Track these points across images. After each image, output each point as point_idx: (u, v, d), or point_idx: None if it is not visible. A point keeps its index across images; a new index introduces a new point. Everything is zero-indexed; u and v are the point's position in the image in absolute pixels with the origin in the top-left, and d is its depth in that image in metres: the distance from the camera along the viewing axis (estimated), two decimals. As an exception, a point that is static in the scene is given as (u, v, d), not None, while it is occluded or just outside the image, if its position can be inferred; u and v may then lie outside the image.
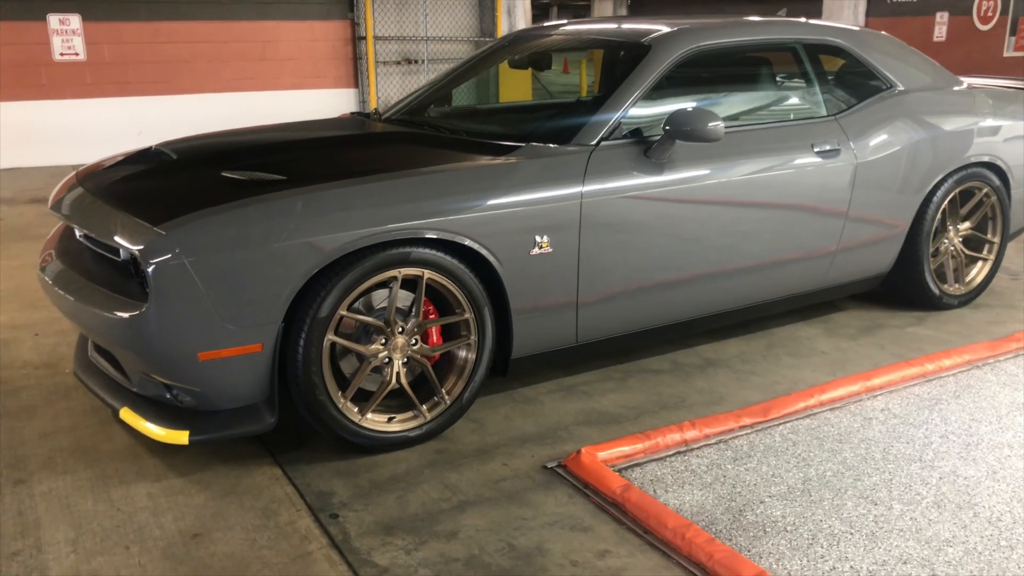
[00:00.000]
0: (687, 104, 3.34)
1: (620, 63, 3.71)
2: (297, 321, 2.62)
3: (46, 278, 2.94)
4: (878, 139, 3.82)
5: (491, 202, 2.88)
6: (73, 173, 3.32)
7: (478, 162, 3.03)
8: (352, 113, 4.33)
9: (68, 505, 2.54)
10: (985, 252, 4.33)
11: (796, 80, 3.97)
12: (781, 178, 3.54)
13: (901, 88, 4.04)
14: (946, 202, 4.08)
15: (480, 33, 10.85)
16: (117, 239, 2.62)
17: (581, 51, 8.04)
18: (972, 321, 4.12)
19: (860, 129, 3.79)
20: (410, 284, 2.84)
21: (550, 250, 3.01)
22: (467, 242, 2.83)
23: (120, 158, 3.39)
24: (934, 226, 4.06)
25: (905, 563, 2.25)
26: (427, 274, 2.80)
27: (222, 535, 2.40)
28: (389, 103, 5.67)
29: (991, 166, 4.18)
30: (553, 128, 3.49)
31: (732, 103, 3.83)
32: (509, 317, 3.00)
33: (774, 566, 2.25)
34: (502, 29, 10.74)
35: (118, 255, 2.71)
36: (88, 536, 2.39)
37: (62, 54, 8.44)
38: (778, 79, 4.06)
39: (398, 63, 10.39)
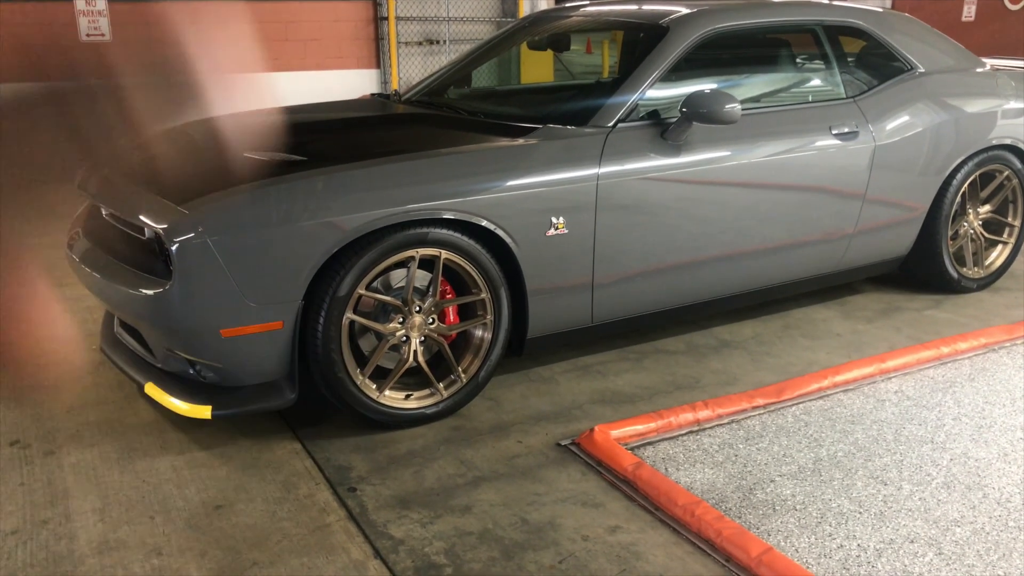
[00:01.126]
0: (705, 86, 3.35)
1: (638, 44, 3.72)
2: (317, 299, 2.68)
3: (73, 256, 3.02)
4: (897, 121, 3.81)
5: (508, 183, 2.92)
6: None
7: (496, 144, 3.06)
8: (372, 95, 4.37)
9: (95, 476, 2.63)
10: (1005, 235, 4.31)
11: (815, 62, 3.96)
12: (799, 160, 3.55)
13: (922, 70, 4.01)
14: (966, 185, 4.06)
15: (502, 14, 10.83)
16: (142, 218, 2.68)
17: (601, 32, 8.01)
18: (990, 305, 4.11)
19: (879, 111, 3.78)
20: (428, 264, 2.88)
21: (566, 231, 3.04)
22: (484, 223, 2.87)
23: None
24: (953, 209, 4.05)
25: (912, 542, 2.28)
26: (444, 254, 2.85)
27: (243, 507, 2.47)
28: (410, 83, 5.70)
29: (1012, 149, 4.15)
30: (570, 110, 3.51)
31: (750, 85, 3.83)
32: (525, 297, 3.04)
33: (782, 543, 2.28)
34: (524, 10, 10.71)
35: (143, 234, 2.78)
36: (115, 506, 2.47)
37: (88, 35, 8.53)
38: (797, 61, 4.05)
39: (420, 44, 10.40)
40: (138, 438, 2.85)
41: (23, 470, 2.65)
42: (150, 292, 2.60)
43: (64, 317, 3.91)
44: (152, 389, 2.79)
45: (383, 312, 2.87)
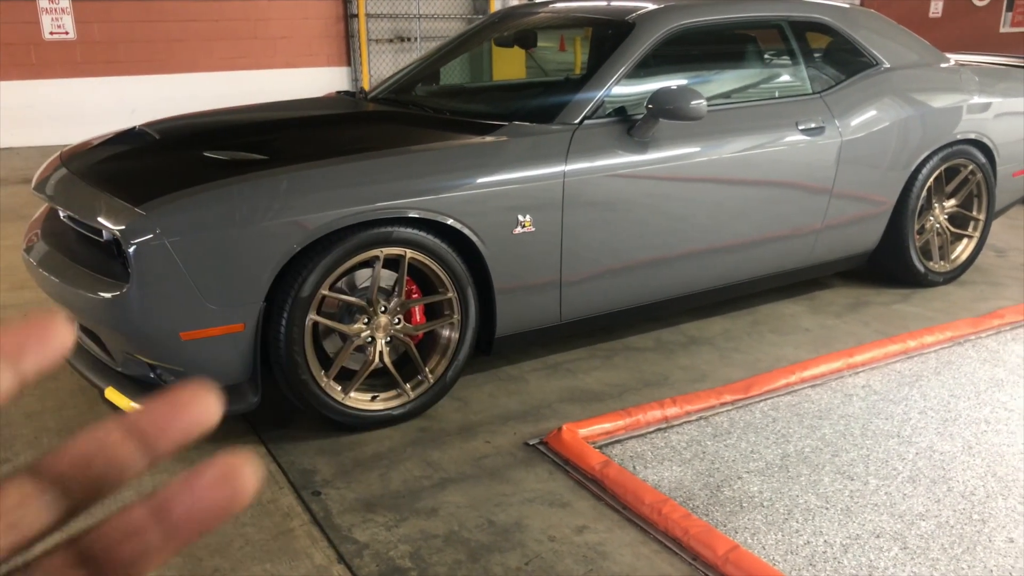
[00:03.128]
0: (671, 82, 3.34)
1: (605, 41, 3.71)
2: (279, 301, 2.64)
3: (31, 259, 2.96)
4: (863, 116, 3.82)
5: (474, 181, 2.89)
6: (57, 154, 3.32)
7: (461, 141, 3.03)
8: (338, 92, 4.33)
9: (54, 483, 2.57)
10: (970, 229, 4.34)
11: (782, 58, 3.96)
12: (765, 156, 3.55)
13: (887, 65, 4.03)
14: (932, 179, 4.09)
15: (473, 11, 10.79)
16: (99, 220, 2.63)
17: (569, 29, 8.00)
18: (957, 298, 4.15)
19: (845, 107, 3.79)
20: (393, 263, 2.85)
21: (533, 229, 3.02)
22: (450, 221, 2.84)
23: (104, 138, 3.39)
24: (919, 203, 4.07)
25: (878, 537, 2.29)
26: (410, 253, 2.82)
27: (205, 512, 2.43)
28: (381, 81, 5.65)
29: (977, 143, 4.18)
30: (537, 107, 3.49)
31: (717, 81, 3.83)
32: (493, 296, 3.02)
33: (749, 541, 2.28)
34: (495, 6, 10.68)
35: (101, 236, 2.72)
36: (73, 514, 2.41)
37: (52, 33, 8.39)
38: (764, 57, 4.05)
39: (391, 41, 10.34)
40: (98, 444, 2.80)
41: (-21, 478, 2.59)
42: (108, 295, 2.55)
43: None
44: (112, 394, 2.74)
45: (348, 313, 2.84)
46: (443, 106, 3.72)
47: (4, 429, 2.89)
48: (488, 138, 3.05)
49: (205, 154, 2.92)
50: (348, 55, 10.01)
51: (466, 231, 2.88)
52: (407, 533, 2.33)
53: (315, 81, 9.63)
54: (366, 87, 8.65)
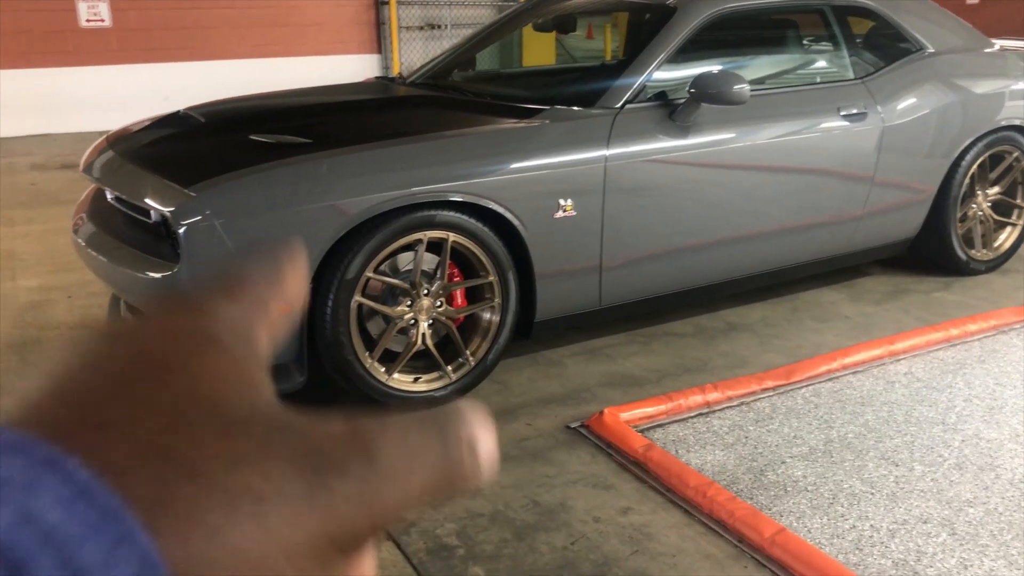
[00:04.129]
0: (713, 67, 3.32)
1: (645, 25, 3.69)
2: (325, 283, 2.66)
3: (79, 240, 3.00)
4: (906, 102, 3.78)
5: (515, 165, 2.90)
6: (104, 137, 3.36)
7: (503, 125, 3.04)
8: (376, 77, 4.35)
9: (104, 460, 2.61)
10: (1014, 217, 4.28)
11: (823, 43, 3.93)
12: (806, 142, 3.52)
13: (931, 50, 3.98)
14: (975, 166, 4.03)
15: (504, -3, 10.77)
16: (148, 201, 2.66)
17: (605, 14, 7.96)
18: (999, 286, 4.10)
19: (888, 92, 3.75)
20: (435, 247, 2.87)
21: (574, 213, 3.02)
22: (492, 205, 2.85)
23: (149, 122, 3.43)
24: (962, 191, 4.02)
25: (925, 522, 2.28)
26: (452, 237, 2.83)
27: (253, 490, 2.46)
28: (412, 68, 5.66)
29: (1021, 130, 4.12)
30: (578, 91, 3.49)
31: (758, 66, 3.80)
32: (533, 280, 3.03)
33: (794, 524, 2.28)
34: (526, -7, 10.64)
35: (149, 217, 2.76)
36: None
37: (88, 20, 8.48)
38: (805, 42, 4.02)
39: (421, 28, 10.34)
40: (146, 422, 2.84)
41: (32, 454, 2.64)
42: (157, 275, 2.59)
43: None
44: (160, 373, 2.78)
45: (391, 295, 2.86)
46: (483, 90, 3.72)
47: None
48: (530, 122, 3.05)
49: (251, 137, 2.94)
50: (379, 42, 10.03)
51: (508, 215, 2.89)
52: (453, 512, 2.35)
53: (345, 68, 9.66)
54: (397, 73, 8.66)
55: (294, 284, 0.31)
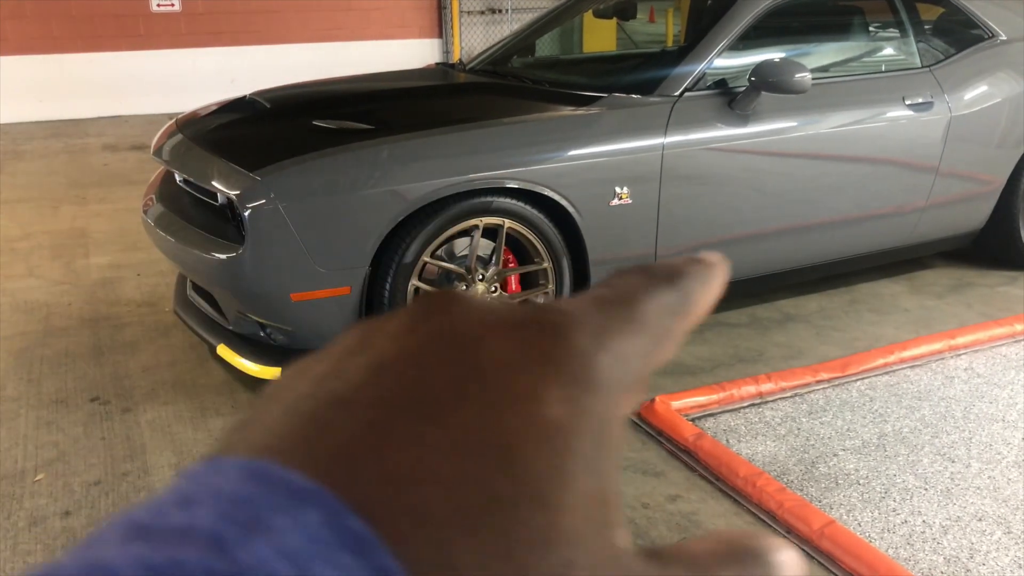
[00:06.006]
0: (774, 54, 3.29)
1: (706, 12, 3.66)
2: (383, 266, 2.72)
3: (148, 220, 3.11)
4: (975, 91, 3.69)
5: (572, 153, 2.92)
6: (173, 121, 3.47)
7: (560, 113, 3.06)
8: (437, 63, 4.39)
9: (171, 433, 2.73)
10: (1086, 211, 4.15)
11: (889, 30, 3.85)
12: (869, 132, 3.47)
13: (1003, 38, 3.87)
14: (1046, 158, 3.92)
15: (565, -18, 10.71)
16: (215, 184, 2.75)
17: (666, 1, 7.88)
18: (1068, 282, 3.99)
19: (956, 81, 3.67)
20: (491, 233, 2.90)
21: (630, 201, 3.03)
22: (547, 192, 2.88)
23: (217, 106, 3.53)
24: (1032, 183, 3.91)
25: (980, 520, 2.25)
26: (507, 223, 2.86)
27: (311, 466, 2.54)
28: (472, 53, 5.68)
29: (1097, 121, 3.99)
30: (636, 79, 3.48)
31: (821, 54, 3.74)
32: (587, 267, 3.05)
33: (844, 517, 2.27)
34: (587, -23, 10.57)
35: (216, 199, 2.85)
36: (189, 461, 2.57)
37: (159, 5, 8.70)
38: (870, 29, 3.94)
39: (482, 12, 10.36)
40: (210, 397, 2.95)
41: (103, 425, 2.77)
42: (223, 256, 2.68)
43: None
44: (224, 350, 2.88)
45: (447, 279, 2.91)
46: (541, 77, 3.74)
47: (124, 380, 3.07)
48: (587, 110, 3.06)
49: (314, 123, 3.01)
50: (440, 26, 10.09)
51: (563, 202, 2.91)
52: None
53: (407, 53, 9.74)
54: (458, 58, 8.70)
55: (706, 302, 0.26)
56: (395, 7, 9.80)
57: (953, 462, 2.52)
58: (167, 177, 3.32)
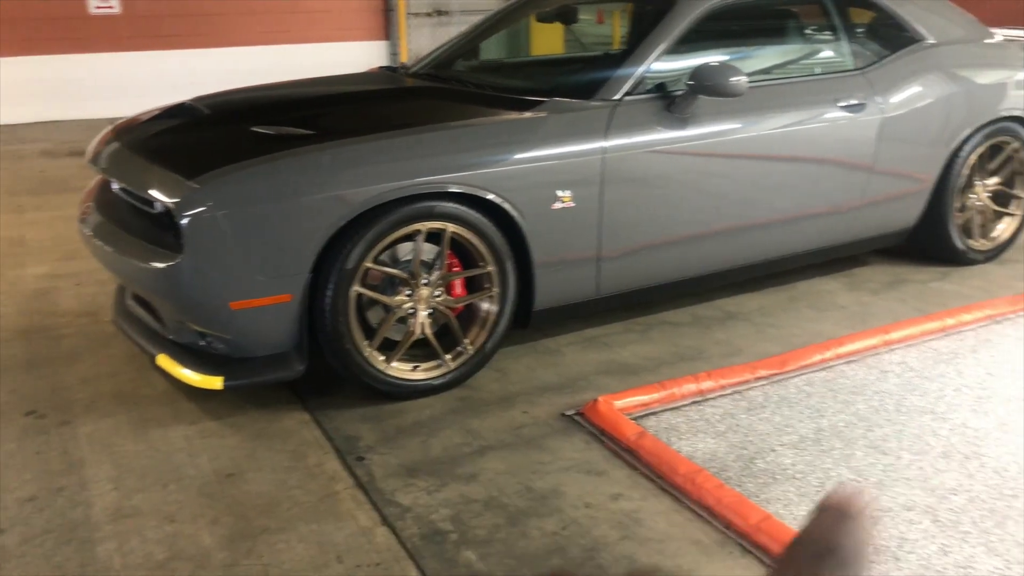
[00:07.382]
0: (711, 58, 3.35)
1: (646, 16, 3.72)
2: (325, 272, 2.72)
3: (85, 230, 3.06)
4: (906, 93, 3.80)
5: (514, 157, 2.94)
6: (110, 127, 3.42)
7: (502, 117, 3.08)
8: (380, 67, 4.38)
9: (109, 446, 2.69)
10: (1013, 208, 4.30)
11: (823, 33, 3.94)
12: (805, 133, 3.55)
13: (932, 41, 3.99)
14: (974, 157, 4.05)
15: (511, -16, 10.74)
16: (152, 192, 2.72)
17: (611, 3, 7.95)
18: (997, 276, 4.12)
19: (887, 83, 3.77)
20: (434, 237, 2.91)
21: (572, 204, 3.06)
22: (490, 196, 2.90)
23: (155, 113, 3.49)
24: (961, 181, 4.04)
25: (909, 510, 2.32)
26: (451, 228, 2.88)
27: (254, 475, 2.53)
28: (420, 55, 5.67)
29: (1021, 120, 4.13)
30: (577, 83, 3.52)
31: (757, 57, 3.82)
32: (532, 270, 3.07)
33: (781, 511, 2.33)
34: (533, -21, 10.61)
35: (153, 207, 2.82)
36: (128, 475, 2.53)
37: (97, 7, 8.54)
38: (805, 33, 4.03)
39: (429, 15, 10.35)
40: (151, 408, 2.91)
41: (39, 439, 2.72)
42: (161, 265, 2.65)
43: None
44: (164, 360, 2.85)
45: (390, 285, 2.91)
46: (484, 81, 3.76)
47: (63, 392, 3.01)
48: (528, 114, 3.09)
49: (253, 129, 2.99)
50: (387, 29, 10.05)
51: (506, 206, 2.93)
52: (448, 497, 2.41)
53: (354, 55, 9.69)
54: (404, 61, 8.67)
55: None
56: (341, 9, 9.74)
57: (885, 454, 2.60)
58: (104, 185, 3.27)
